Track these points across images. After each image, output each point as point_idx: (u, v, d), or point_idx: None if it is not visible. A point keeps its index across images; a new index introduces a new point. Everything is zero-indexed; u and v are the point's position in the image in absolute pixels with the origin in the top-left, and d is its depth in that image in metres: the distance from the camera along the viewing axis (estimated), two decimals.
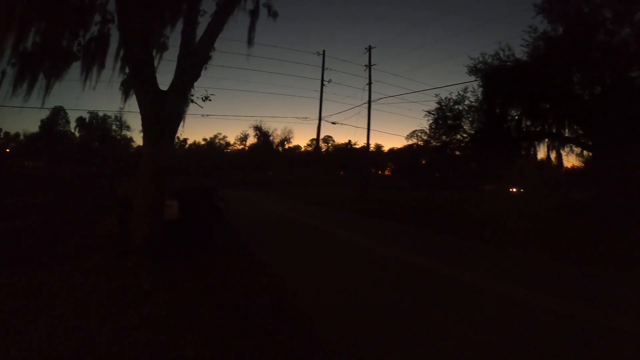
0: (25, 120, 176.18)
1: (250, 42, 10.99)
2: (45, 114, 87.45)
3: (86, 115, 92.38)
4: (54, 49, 8.70)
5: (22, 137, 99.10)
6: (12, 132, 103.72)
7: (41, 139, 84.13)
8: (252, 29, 10.76)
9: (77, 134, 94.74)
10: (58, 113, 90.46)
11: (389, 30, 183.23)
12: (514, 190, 65.01)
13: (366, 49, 37.41)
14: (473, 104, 29.69)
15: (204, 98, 10.90)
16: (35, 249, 8.90)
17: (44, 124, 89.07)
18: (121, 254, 8.22)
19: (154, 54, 9.44)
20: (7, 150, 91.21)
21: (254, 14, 10.60)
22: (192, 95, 10.19)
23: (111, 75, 9.50)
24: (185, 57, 8.80)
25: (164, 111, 8.44)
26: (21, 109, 9.58)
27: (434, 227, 16.57)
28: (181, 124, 9.12)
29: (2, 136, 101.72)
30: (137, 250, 8.04)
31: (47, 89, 9.06)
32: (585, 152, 29.36)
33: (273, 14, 11.23)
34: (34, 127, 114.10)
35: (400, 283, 7.78)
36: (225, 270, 7.97)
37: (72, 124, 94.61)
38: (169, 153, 8.77)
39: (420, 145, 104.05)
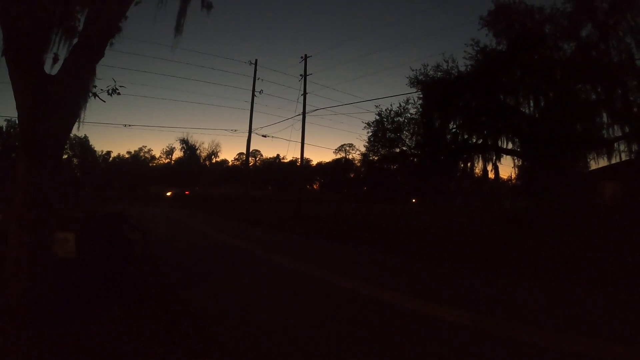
0: None
1: (178, 29, 8.60)
2: None
3: (3, 124, 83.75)
4: None
5: None
6: None
7: None
8: (181, 13, 8.44)
9: None
10: None
11: (325, 41, 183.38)
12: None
13: (302, 57, 35.45)
14: (414, 116, 28.83)
15: (110, 90, 8.13)
16: None
17: None
18: None
19: (56, 38, 6.91)
20: None
21: None
22: (95, 85, 7.41)
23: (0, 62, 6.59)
24: (88, 26, 6.22)
25: (51, 106, 5.72)
26: None
27: (403, 252, 14.50)
28: (76, 125, 6.45)
29: None
30: (14, 312, 5.40)
31: None
32: (524, 164, 29.42)
33: (207, 6, 9.08)
34: None
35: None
36: (141, 340, 5.47)
37: None
38: (57, 168, 6.04)
39: (348, 159, 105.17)
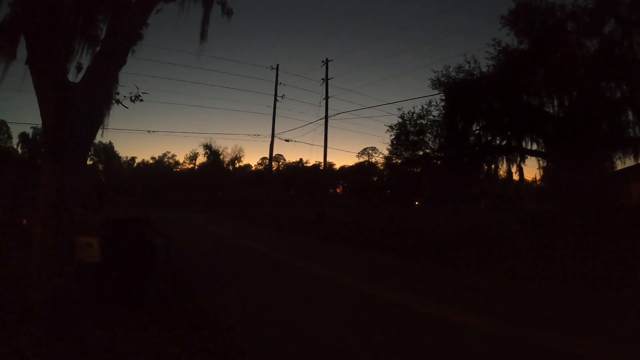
0: None
1: (203, 36, 8.82)
2: None
3: (29, 131, 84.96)
4: None
5: None
6: None
7: None
8: (205, 21, 8.69)
9: (20, 151, 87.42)
10: None
11: (345, 45, 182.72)
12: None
13: (323, 62, 35.54)
14: (436, 118, 28.56)
15: (133, 97, 8.25)
16: None
17: None
18: (18, 319, 5.69)
19: (79, 47, 7.08)
20: None
21: (207, 4, 8.60)
22: (117, 92, 7.54)
23: (25, 71, 6.73)
24: (110, 34, 6.37)
25: (74, 113, 5.84)
26: None
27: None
28: (100, 131, 6.61)
29: None
30: (37, 314, 5.52)
31: None
32: (549, 165, 28.93)
33: (227, 12, 9.28)
34: None
35: None
36: (162, 343, 5.45)
37: (15, 140, 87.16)
38: (81, 173, 6.17)
39: (371, 162, 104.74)
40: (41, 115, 5.92)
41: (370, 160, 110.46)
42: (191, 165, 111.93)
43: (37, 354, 4.90)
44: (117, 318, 6.24)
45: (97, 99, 6.29)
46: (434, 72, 30.55)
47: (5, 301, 6.42)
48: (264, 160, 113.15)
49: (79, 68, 7.43)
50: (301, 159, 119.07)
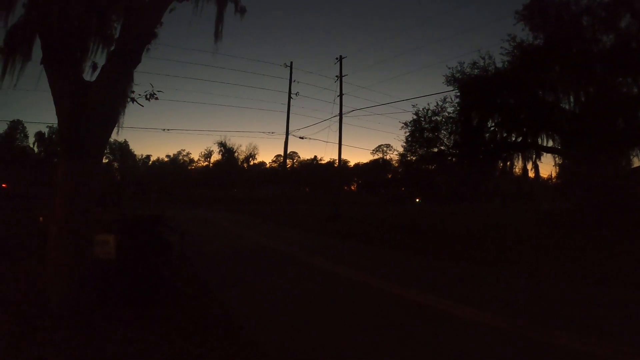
0: None
1: (217, 35, 8.87)
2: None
3: (45, 130, 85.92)
4: None
5: None
6: None
7: None
8: (219, 19, 8.73)
9: (36, 150, 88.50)
10: (16, 127, 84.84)
11: (359, 42, 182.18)
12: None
13: (337, 59, 35.51)
14: (451, 115, 28.35)
15: (148, 95, 8.32)
16: None
17: (2, 138, 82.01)
18: (35, 316, 5.77)
19: (93, 47, 7.18)
20: None
21: (220, 2, 8.66)
22: (133, 91, 7.60)
23: (41, 72, 6.84)
24: (124, 34, 6.45)
25: (89, 111, 5.95)
26: None
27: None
28: (115, 130, 6.68)
29: None
30: (53, 312, 5.60)
31: None
32: (565, 162, 28.62)
33: (241, 10, 9.31)
34: None
35: None
36: (177, 341, 5.46)
37: (31, 139, 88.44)
38: (96, 171, 6.25)
39: (386, 159, 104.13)
40: (57, 114, 6.02)
41: (385, 157, 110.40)
42: (206, 163, 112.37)
43: (54, 350, 4.96)
44: (132, 314, 6.28)
45: (112, 97, 6.37)
46: (449, 68, 30.46)
47: (22, 299, 6.53)
48: (279, 158, 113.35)
49: (94, 67, 7.52)
50: (316, 156, 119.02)
